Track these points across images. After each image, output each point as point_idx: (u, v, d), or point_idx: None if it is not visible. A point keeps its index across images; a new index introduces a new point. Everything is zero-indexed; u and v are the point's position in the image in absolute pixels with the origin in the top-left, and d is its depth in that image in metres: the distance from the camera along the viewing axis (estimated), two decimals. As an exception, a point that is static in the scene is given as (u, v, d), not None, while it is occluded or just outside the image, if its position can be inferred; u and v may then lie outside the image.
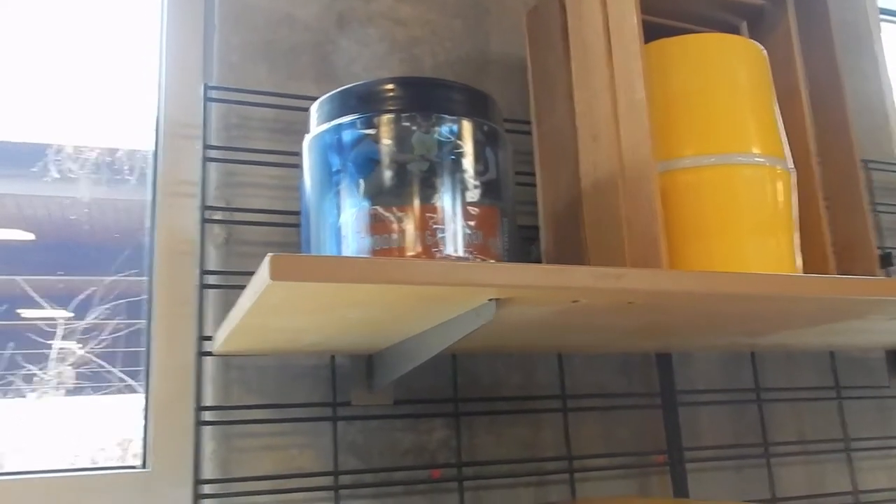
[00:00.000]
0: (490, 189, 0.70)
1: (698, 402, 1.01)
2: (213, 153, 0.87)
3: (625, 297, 0.59)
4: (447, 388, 0.89)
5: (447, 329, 0.65)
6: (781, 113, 0.86)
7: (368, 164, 0.68)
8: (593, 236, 0.83)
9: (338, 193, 0.69)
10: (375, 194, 0.67)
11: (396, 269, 0.51)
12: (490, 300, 0.57)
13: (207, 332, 0.82)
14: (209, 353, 0.81)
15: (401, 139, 0.68)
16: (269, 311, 0.57)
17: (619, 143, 0.81)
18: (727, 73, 0.81)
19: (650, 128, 0.77)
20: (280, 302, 0.54)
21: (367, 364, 0.85)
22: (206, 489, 0.78)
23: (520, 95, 1.03)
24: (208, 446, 0.80)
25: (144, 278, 0.89)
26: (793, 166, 0.84)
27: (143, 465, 0.82)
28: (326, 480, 0.82)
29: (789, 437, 1.06)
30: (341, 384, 0.85)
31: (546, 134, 0.94)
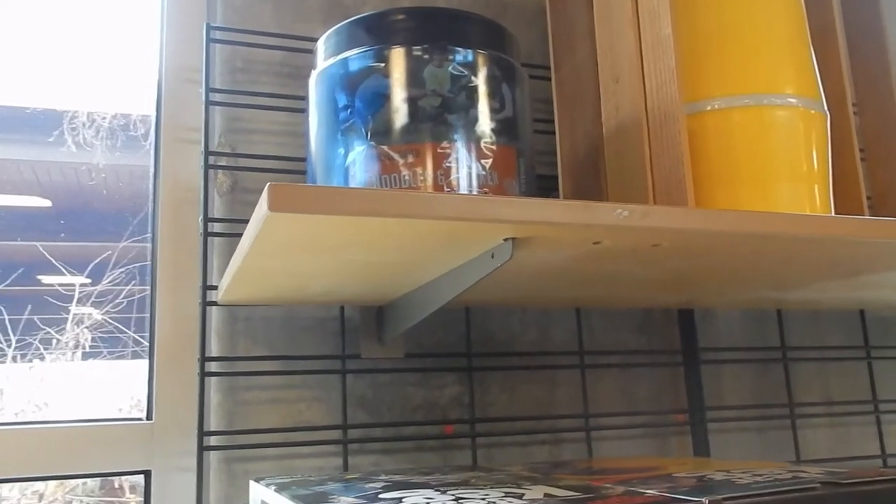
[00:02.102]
0: (506, 127, 0.66)
1: (721, 361, 0.97)
2: (216, 97, 0.84)
3: (650, 238, 0.56)
4: (460, 343, 0.86)
5: (460, 274, 0.62)
6: (815, 53, 0.81)
7: (377, 100, 0.64)
8: (615, 183, 0.79)
9: (345, 132, 0.65)
10: (384, 132, 0.64)
11: (403, 201, 0.48)
12: (506, 240, 0.54)
13: (213, 282, 0.79)
14: (214, 303, 0.78)
15: (412, 73, 0.64)
16: (271, 250, 0.54)
17: (644, 83, 0.76)
18: (759, 7, 0.77)
19: (677, 65, 0.72)
20: (281, 238, 0.51)
21: (377, 316, 0.82)
22: (212, 441, 0.75)
23: (539, 41, 0.98)
24: (214, 398, 0.78)
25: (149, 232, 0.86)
26: (827, 110, 0.80)
27: (148, 417, 0.80)
28: (335, 434, 0.79)
29: (815, 398, 1.02)
30: (350, 337, 0.82)
31: (565, 78, 0.89)
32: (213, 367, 0.77)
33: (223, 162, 0.83)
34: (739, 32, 0.76)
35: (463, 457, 0.84)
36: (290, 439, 0.78)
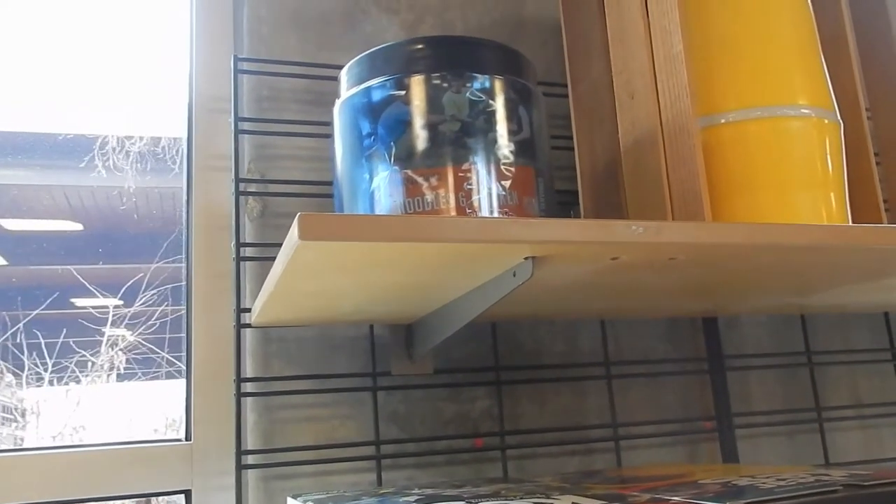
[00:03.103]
0: (524, 148, 0.68)
1: (747, 367, 0.98)
2: (245, 125, 0.87)
3: (665, 253, 0.57)
4: (488, 356, 0.88)
5: (484, 292, 0.64)
6: (826, 62, 0.82)
7: (399, 127, 0.67)
8: (633, 196, 0.81)
9: (369, 158, 0.68)
10: (407, 157, 0.66)
11: (427, 226, 0.50)
12: (526, 258, 0.56)
13: (246, 305, 0.82)
14: (248, 325, 0.81)
15: (431, 100, 0.66)
16: (302, 274, 0.57)
17: (658, 98, 0.78)
18: (768, 18, 0.78)
19: (690, 81, 0.74)
20: (311, 263, 0.53)
21: (406, 334, 0.84)
22: (249, 459, 0.78)
23: (555, 59, 1.01)
24: (250, 418, 0.80)
25: (182, 256, 0.89)
26: (840, 118, 0.81)
27: (187, 438, 0.83)
28: (368, 450, 0.81)
29: (843, 401, 1.02)
30: (381, 355, 0.85)
31: (582, 95, 0.91)
32: (248, 387, 0.80)
33: (253, 188, 0.86)
34: (751, 45, 0.78)
35: (494, 469, 0.86)
36: (324, 456, 0.80)
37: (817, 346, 1.03)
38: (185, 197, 0.91)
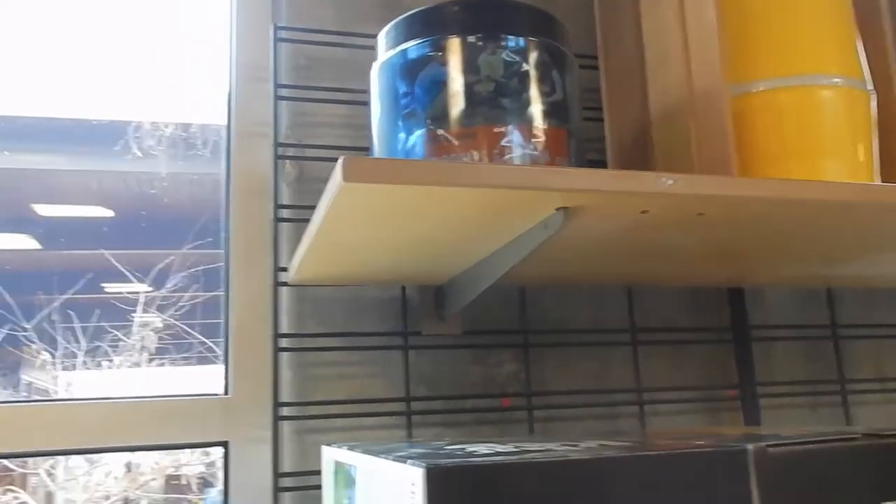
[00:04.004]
0: (557, 110, 0.70)
1: (771, 338, 0.99)
2: (284, 92, 0.89)
3: (694, 207, 0.59)
4: (516, 322, 0.90)
5: (515, 246, 0.66)
6: (860, 31, 0.83)
7: (435, 87, 0.69)
8: (663, 165, 0.82)
9: (405, 117, 0.70)
10: (442, 117, 0.68)
11: (466, 171, 0.52)
12: (558, 209, 0.58)
13: (282, 265, 0.85)
14: (285, 284, 0.83)
15: (467, 60, 0.68)
16: (341, 221, 0.59)
17: (689, 67, 0.79)
18: (802, -12, 0.79)
19: (721, 49, 0.75)
20: (352, 208, 0.56)
21: (436, 295, 0.86)
22: (285, 412, 0.81)
23: (586, 32, 1.02)
24: (285, 375, 0.83)
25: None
26: (873, 88, 0.82)
27: (225, 392, 0.85)
28: (399, 406, 0.84)
29: (867, 375, 1.03)
30: (411, 316, 0.87)
31: (613, 66, 0.93)
32: (284, 343, 0.83)
33: (290, 153, 0.88)
34: (784, 14, 0.79)
35: (520, 430, 0.88)
36: (357, 411, 0.83)
37: (842, 320, 1.04)
38: (224, 163, 0.93)
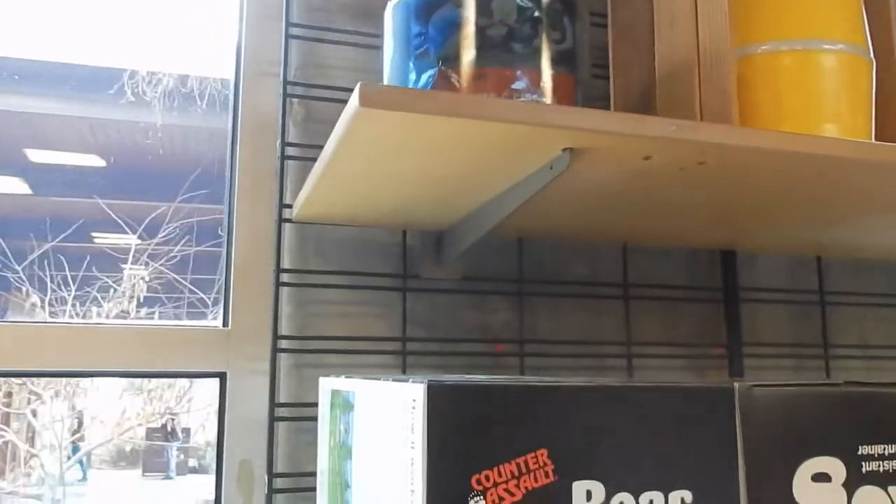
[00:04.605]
0: (566, 58, 0.71)
1: (760, 300, 1.02)
2: (295, 31, 0.90)
3: (697, 153, 0.61)
4: (513, 271, 0.92)
5: (518, 189, 0.67)
6: (865, 3, 0.84)
7: (448, 28, 0.70)
8: (665, 122, 0.84)
9: (417, 58, 0.71)
10: (454, 58, 0.69)
11: (479, 104, 0.53)
12: (564, 150, 0.59)
13: (287, 202, 0.86)
14: (289, 220, 0.85)
15: (481, 4, 0.69)
16: (353, 151, 0.60)
17: (697, 27, 0.80)
18: (812, -48, 0.80)
19: (729, 10, 0.76)
20: (365, 136, 0.57)
21: (437, 241, 0.88)
22: (284, 345, 0.83)
23: (596, -10, 1.03)
24: (285, 310, 0.85)
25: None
26: (873, 57, 0.83)
27: (224, 325, 0.87)
28: (395, 346, 0.86)
29: (851, 341, 1.06)
30: (411, 262, 0.89)
31: (621, 24, 0.94)
32: (286, 278, 0.84)
33: (299, 92, 0.89)
34: (791, -23, 0.80)
35: (512, 374, 0.90)
36: (354, 347, 0.85)
37: (829, 288, 1.06)
38: (232, 100, 0.94)
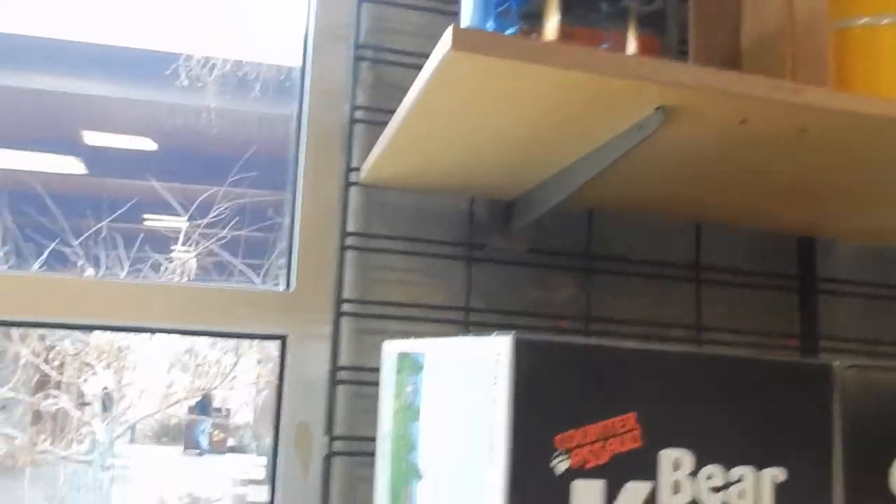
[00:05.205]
0: (655, 20, 0.68)
1: (839, 292, 0.97)
2: (368, -7, 0.88)
3: (797, 119, 0.57)
4: (580, 246, 0.90)
5: (602, 151, 0.65)
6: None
7: (533, -14, 0.67)
8: (750, 96, 0.80)
9: (498, 16, 0.69)
10: (537, 16, 0.67)
11: (573, 54, 0.51)
12: (657, 109, 0.57)
13: (354, 165, 0.84)
14: (356, 183, 0.83)
15: (569, -40, 0.66)
16: (436, 103, 0.58)
17: (790, -3, 0.77)
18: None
19: (826, -23, 0.73)
20: (451, 84, 0.55)
21: (505, 210, 0.86)
22: (347, 308, 0.81)
23: (677, -37, 0.99)
24: (348, 275, 0.83)
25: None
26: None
27: (287, 288, 0.86)
28: (457, 315, 0.84)
29: (932, 340, 1.01)
30: (476, 231, 0.86)
31: (705, -3, 0.90)
32: (351, 241, 0.83)
33: (369, 55, 0.88)
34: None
35: (574, 354, 0.87)
36: (416, 314, 0.83)
37: (912, 282, 1.01)
38: (300, 65, 0.93)
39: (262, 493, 4.48)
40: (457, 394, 0.51)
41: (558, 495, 0.44)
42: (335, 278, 0.81)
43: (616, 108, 0.57)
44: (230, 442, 6.35)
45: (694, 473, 0.47)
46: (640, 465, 0.46)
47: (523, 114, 0.60)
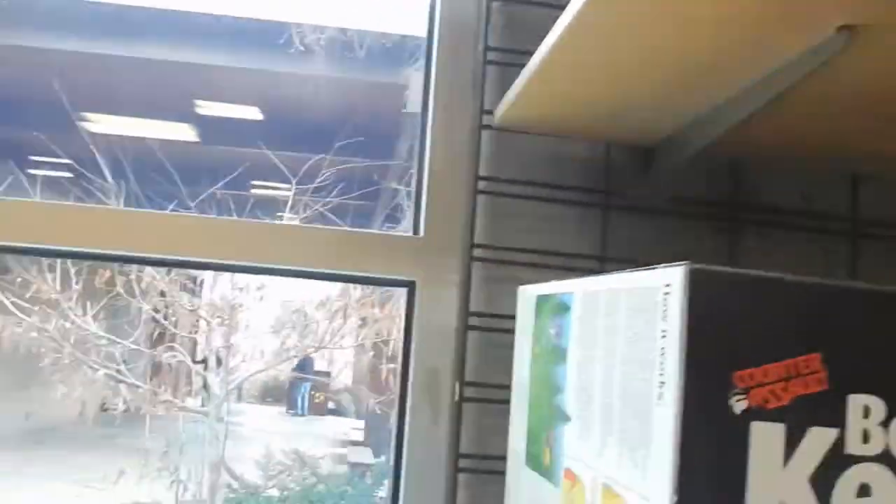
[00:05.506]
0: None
1: None
2: (503, -70, 0.85)
3: None
4: (723, 196, 0.84)
5: (765, 85, 0.60)
6: None
7: None
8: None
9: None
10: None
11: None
12: (839, 30, 0.51)
13: (486, 108, 0.82)
14: (489, 126, 0.81)
15: None
16: (584, 31, 0.55)
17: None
18: None
19: None
20: (603, 11, 0.51)
21: (644, 157, 0.82)
22: (478, 254, 0.79)
23: None
24: (479, 222, 0.81)
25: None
26: None
27: (415, 233, 0.85)
28: (592, 264, 0.81)
29: None
30: (612, 178, 0.83)
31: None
32: (483, 186, 0.81)
33: (504, -5, 0.85)
34: None
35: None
36: (549, 262, 0.80)
37: None
38: (429, 6, 0.91)
39: (361, 454, 4.61)
40: (615, 332, 0.49)
41: (736, 437, 0.40)
42: (466, 224, 0.79)
43: (787, 29, 0.52)
44: (330, 405, 6.55)
45: (885, 423, 0.42)
46: (825, 411, 0.42)
47: (681, 37, 0.55)
